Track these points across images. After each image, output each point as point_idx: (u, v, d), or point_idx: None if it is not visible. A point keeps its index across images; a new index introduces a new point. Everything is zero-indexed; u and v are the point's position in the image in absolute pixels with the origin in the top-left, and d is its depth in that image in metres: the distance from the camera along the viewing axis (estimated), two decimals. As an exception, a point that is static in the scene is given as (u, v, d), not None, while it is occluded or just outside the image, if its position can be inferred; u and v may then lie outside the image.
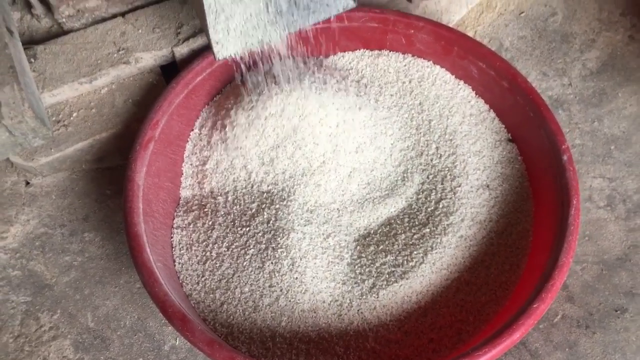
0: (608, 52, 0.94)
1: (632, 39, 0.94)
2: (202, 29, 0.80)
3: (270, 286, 0.71)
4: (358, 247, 0.76)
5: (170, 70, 0.85)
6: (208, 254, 0.75)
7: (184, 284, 0.73)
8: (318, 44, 0.86)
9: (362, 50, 0.90)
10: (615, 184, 0.84)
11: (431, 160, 0.81)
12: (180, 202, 0.79)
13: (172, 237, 0.76)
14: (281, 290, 0.71)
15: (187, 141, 0.82)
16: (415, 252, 0.74)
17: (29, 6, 0.84)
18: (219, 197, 0.78)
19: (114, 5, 0.83)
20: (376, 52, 0.90)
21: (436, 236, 0.75)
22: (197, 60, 0.80)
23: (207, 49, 0.81)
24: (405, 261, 0.74)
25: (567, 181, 0.71)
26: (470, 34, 0.99)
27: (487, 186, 0.79)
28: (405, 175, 0.81)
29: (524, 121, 0.79)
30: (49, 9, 0.82)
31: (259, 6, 0.74)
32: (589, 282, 0.78)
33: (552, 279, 0.65)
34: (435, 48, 0.86)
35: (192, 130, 0.83)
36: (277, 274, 0.71)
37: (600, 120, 0.89)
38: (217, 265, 0.74)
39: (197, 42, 0.83)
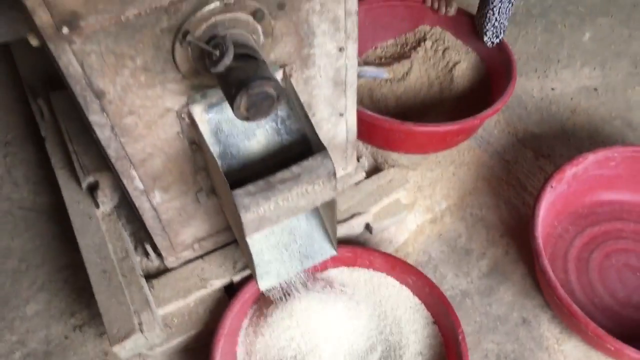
0: (493, 261, 1.53)
1: (507, 253, 1.53)
2: (248, 266, 1.38)
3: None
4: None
5: (230, 287, 1.42)
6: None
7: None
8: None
9: (342, 267, 1.49)
10: (501, 346, 1.39)
11: (387, 337, 1.37)
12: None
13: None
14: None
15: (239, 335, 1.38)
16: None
17: (146, 254, 1.43)
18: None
19: (198, 250, 1.42)
20: (351, 268, 1.48)
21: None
22: (246, 285, 1.37)
23: (252, 277, 1.39)
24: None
25: (462, 350, 1.26)
26: (410, 249, 1.58)
27: (420, 353, 1.34)
28: (371, 346, 1.36)
29: (439, 311, 1.36)
30: (159, 255, 1.41)
31: (284, 254, 1.32)
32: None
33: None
34: (387, 267, 1.45)
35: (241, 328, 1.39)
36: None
37: (490, 305, 1.46)
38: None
39: (246, 272, 1.41)
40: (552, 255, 1.46)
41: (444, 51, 1.77)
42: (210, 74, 0.93)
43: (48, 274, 1.53)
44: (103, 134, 1.02)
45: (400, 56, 1.82)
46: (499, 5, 1.60)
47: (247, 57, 0.92)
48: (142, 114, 1.03)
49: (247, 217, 1.05)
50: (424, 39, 1.81)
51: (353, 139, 1.41)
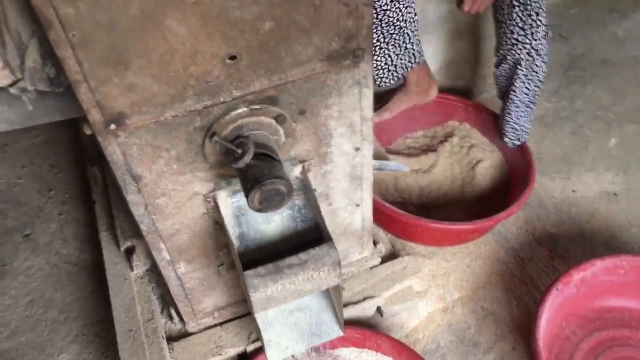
0: (500, 356, 1.56)
1: (514, 349, 1.57)
2: (259, 338, 1.47)
3: None
4: None
5: (244, 356, 1.51)
6: None
7: None
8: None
9: (351, 347, 1.56)
10: None
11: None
12: None
13: None
14: None
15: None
16: None
17: (171, 317, 1.54)
18: None
19: (218, 317, 1.53)
20: (360, 349, 1.55)
21: None
22: (257, 357, 1.46)
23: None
24: None
25: None
26: (420, 335, 1.64)
27: None
28: None
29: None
30: (181, 320, 1.53)
31: (294, 330, 1.41)
32: None
33: None
34: (394, 352, 1.51)
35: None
36: None
37: (492, 400, 1.49)
38: None
39: (259, 343, 1.50)
40: (558, 356, 1.49)
41: (469, 148, 1.87)
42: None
43: (82, 326, 1.67)
44: (137, 211, 1.17)
45: (428, 148, 1.93)
46: (516, 110, 1.69)
47: (265, 156, 1.06)
48: (173, 196, 1.17)
49: (256, 297, 1.15)
50: (452, 134, 1.92)
51: (369, 226, 1.51)
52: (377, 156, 1.69)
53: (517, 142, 1.77)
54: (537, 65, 1.59)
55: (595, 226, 1.76)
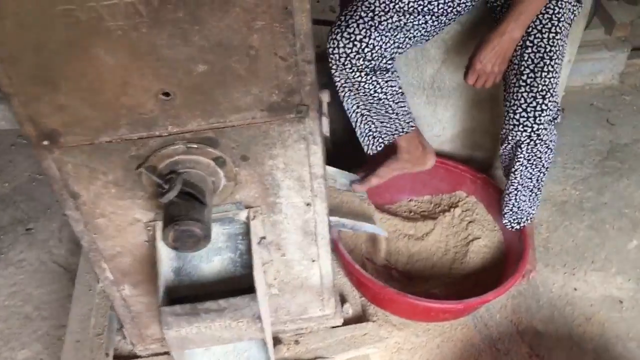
0: None
1: None
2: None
3: None
4: None
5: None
6: None
7: None
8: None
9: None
10: None
11: None
12: None
13: None
14: None
15: None
16: None
17: (124, 336, 1.55)
18: None
19: (166, 346, 1.52)
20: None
21: None
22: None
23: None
24: None
25: None
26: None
27: None
28: None
29: None
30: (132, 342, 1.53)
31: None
32: None
33: None
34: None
35: None
36: None
37: None
38: None
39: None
40: None
41: (469, 223, 1.78)
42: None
43: (50, 327, 1.70)
44: (77, 228, 1.19)
45: (429, 215, 1.85)
46: (516, 193, 1.59)
47: (191, 196, 1.05)
48: (112, 218, 1.18)
49: (169, 334, 1.14)
50: (456, 205, 1.83)
51: (329, 284, 1.45)
52: (360, 214, 1.64)
53: (517, 226, 1.66)
54: (540, 151, 1.49)
55: (588, 331, 1.61)
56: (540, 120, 1.43)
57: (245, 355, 1.39)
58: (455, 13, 1.49)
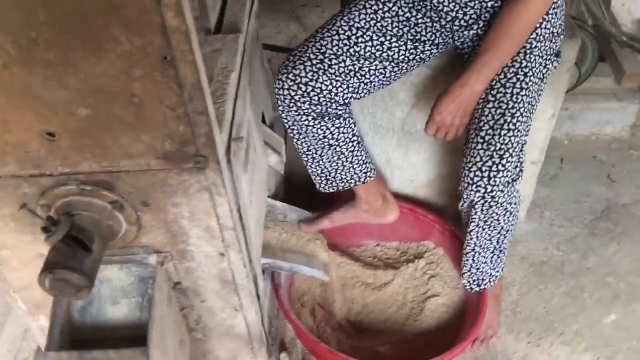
0: None
1: None
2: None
3: None
4: None
5: None
6: None
7: None
8: None
9: None
10: None
11: None
12: None
13: None
14: None
15: None
16: None
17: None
18: None
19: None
20: None
21: None
22: None
23: None
24: None
25: None
26: None
27: None
28: None
29: None
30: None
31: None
32: None
33: None
34: None
35: None
36: None
37: None
38: None
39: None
40: None
41: (430, 277, 1.67)
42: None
43: None
44: (-19, 255, 1.15)
45: (392, 264, 1.75)
46: (473, 253, 1.48)
47: (78, 242, 0.99)
48: (15, 251, 1.14)
49: (52, 381, 1.08)
50: (422, 256, 1.73)
51: (258, 334, 1.37)
52: (308, 254, 1.55)
53: (477, 288, 1.54)
54: (496, 213, 1.37)
55: (542, 413, 1.48)
56: (495, 181, 1.31)
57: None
58: (419, 60, 1.40)
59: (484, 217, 1.39)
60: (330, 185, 1.51)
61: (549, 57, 1.35)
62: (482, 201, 1.35)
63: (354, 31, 1.31)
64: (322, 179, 1.49)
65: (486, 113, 1.32)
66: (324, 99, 1.31)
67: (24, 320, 1.32)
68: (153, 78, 0.86)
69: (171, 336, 1.23)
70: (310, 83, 1.30)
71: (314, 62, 1.30)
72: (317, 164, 1.46)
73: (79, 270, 0.96)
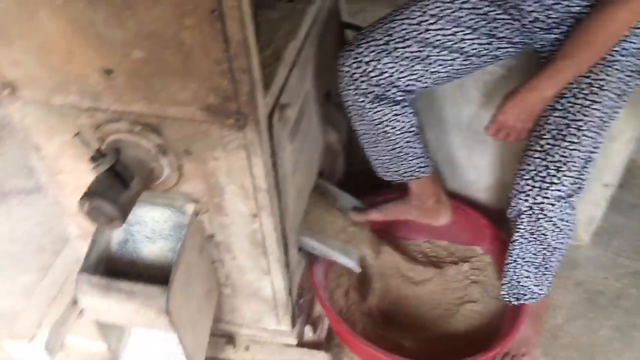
0: None
1: None
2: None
3: None
4: None
5: None
6: None
7: None
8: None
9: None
10: None
11: None
12: None
13: None
14: None
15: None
16: None
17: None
18: None
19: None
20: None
21: None
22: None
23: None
24: None
25: None
26: None
27: None
28: None
29: None
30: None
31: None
32: None
33: None
34: None
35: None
36: None
37: None
38: None
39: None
40: None
41: (472, 282, 1.63)
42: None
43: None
44: (42, 179, 1.25)
45: (436, 262, 1.72)
46: (514, 264, 1.41)
47: (118, 176, 1.05)
48: (73, 178, 1.23)
49: (81, 301, 1.17)
50: (467, 261, 1.69)
51: (283, 301, 1.40)
52: (347, 241, 1.55)
53: (515, 301, 1.49)
54: (544, 227, 1.31)
55: None
56: (546, 193, 1.25)
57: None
58: (492, 57, 1.36)
59: (530, 229, 1.33)
60: (385, 174, 1.50)
61: (632, 73, 1.26)
62: (529, 212, 1.29)
63: (426, 17, 1.29)
64: (378, 167, 1.48)
65: (550, 121, 1.26)
66: (383, 81, 1.30)
67: (78, 246, 1.41)
68: (202, 30, 0.89)
69: (198, 284, 1.28)
70: (371, 63, 1.29)
71: (379, 42, 1.29)
72: (372, 150, 1.46)
73: (113, 202, 1.02)
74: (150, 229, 1.25)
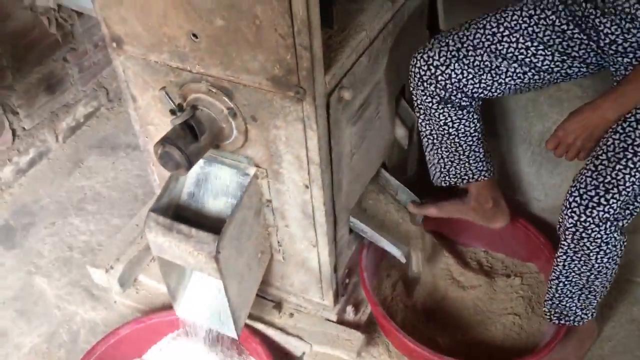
0: None
1: None
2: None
3: None
4: None
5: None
6: None
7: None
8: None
9: None
10: None
11: None
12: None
13: None
14: None
15: None
16: None
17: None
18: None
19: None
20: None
21: None
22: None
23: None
24: None
25: None
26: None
27: None
28: None
29: None
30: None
31: (211, 306, 1.53)
32: None
33: None
34: None
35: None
36: None
37: None
38: None
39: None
40: None
41: (520, 297, 1.63)
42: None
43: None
44: (135, 127, 1.44)
45: (489, 272, 1.74)
46: (557, 282, 1.40)
47: (192, 130, 1.20)
48: (159, 129, 1.40)
49: (148, 236, 1.33)
50: (520, 275, 1.69)
51: (327, 275, 1.50)
52: (397, 234, 1.62)
53: (556, 321, 1.48)
54: (587, 247, 1.30)
55: None
56: (592, 213, 1.25)
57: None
58: (564, 75, 1.37)
59: (574, 247, 1.33)
60: (443, 179, 1.54)
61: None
62: (573, 229, 1.29)
63: (501, 29, 1.33)
64: (438, 169, 1.53)
65: (609, 143, 1.26)
66: (450, 86, 1.36)
67: (156, 193, 1.60)
68: (271, 5, 1.01)
69: (250, 243, 1.41)
70: (440, 67, 1.35)
71: (451, 48, 1.35)
72: (435, 151, 1.51)
73: (182, 150, 1.17)
74: (216, 185, 1.39)
